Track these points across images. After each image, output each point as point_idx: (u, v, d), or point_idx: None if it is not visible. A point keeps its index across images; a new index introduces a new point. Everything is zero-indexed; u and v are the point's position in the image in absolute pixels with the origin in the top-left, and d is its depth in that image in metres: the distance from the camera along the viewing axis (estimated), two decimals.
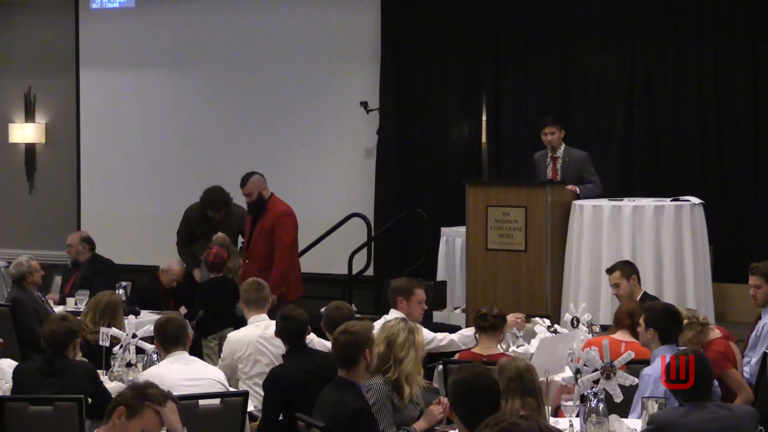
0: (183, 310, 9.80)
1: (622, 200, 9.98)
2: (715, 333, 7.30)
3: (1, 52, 15.08)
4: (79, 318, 7.52)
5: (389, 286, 8.13)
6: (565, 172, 10.32)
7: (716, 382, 6.09)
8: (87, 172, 14.44)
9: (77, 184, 14.49)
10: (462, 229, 10.59)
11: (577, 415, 5.97)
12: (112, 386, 6.77)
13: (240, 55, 13.59)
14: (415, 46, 12.74)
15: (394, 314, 7.59)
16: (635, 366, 6.32)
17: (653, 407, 5.74)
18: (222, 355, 7.80)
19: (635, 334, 6.95)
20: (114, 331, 7.19)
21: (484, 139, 12.52)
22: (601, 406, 5.80)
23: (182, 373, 6.35)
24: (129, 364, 7.11)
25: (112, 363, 7.13)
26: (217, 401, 6.30)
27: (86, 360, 6.96)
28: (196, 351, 8.77)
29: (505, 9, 12.31)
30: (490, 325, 7.33)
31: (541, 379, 5.53)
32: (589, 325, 7.92)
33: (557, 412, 6.33)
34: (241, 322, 8.02)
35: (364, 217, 12.46)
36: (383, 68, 12.78)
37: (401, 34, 12.77)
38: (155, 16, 14.05)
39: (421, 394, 6.23)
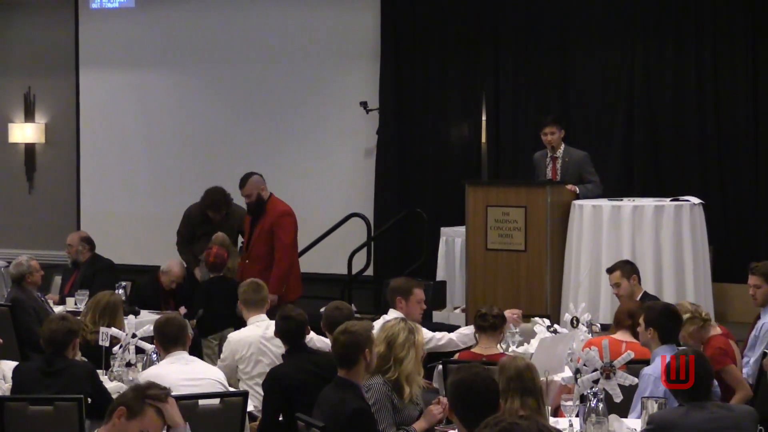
0: (183, 310, 9.79)
1: (621, 200, 9.98)
2: (716, 330, 7.31)
3: (0, 52, 15.08)
4: (78, 318, 7.52)
5: (388, 286, 8.13)
6: (564, 172, 10.32)
7: (716, 383, 6.09)
8: (87, 172, 14.45)
9: (77, 184, 14.49)
10: (462, 229, 10.59)
11: (577, 415, 5.97)
12: (112, 386, 6.77)
13: (240, 55, 13.60)
14: (415, 46, 12.74)
15: (393, 314, 7.59)
16: (635, 366, 6.31)
17: (653, 407, 5.74)
18: (222, 356, 7.80)
19: (635, 335, 6.95)
20: (114, 331, 7.18)
21: (483, 139, 12.52)
22: (601, 406, 5.80)
23: (182, 373, 6.35)
24: (129, 364, 7.11)
25: (111, 363, 7.13)
26: (216, 401, 6.30)
27: (86, 360, 6.96)
28: (196, 351, 8.77)
29: (505, 9, 12.31)
30: (489, 325, 7.33)
31: (540, 379, 5.53)
32: (589, 325, 7.92)
33: (557, 412, 6.33)
34: (241, 322, 8.03)
35: (363, 217, 12.45)
36: (383, 68, 12.78)
37: (401, 34, 12.78)
38: (155, 16, 14.06)
39: (420, 394, 6.23)
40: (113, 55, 14.24)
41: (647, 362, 6.48)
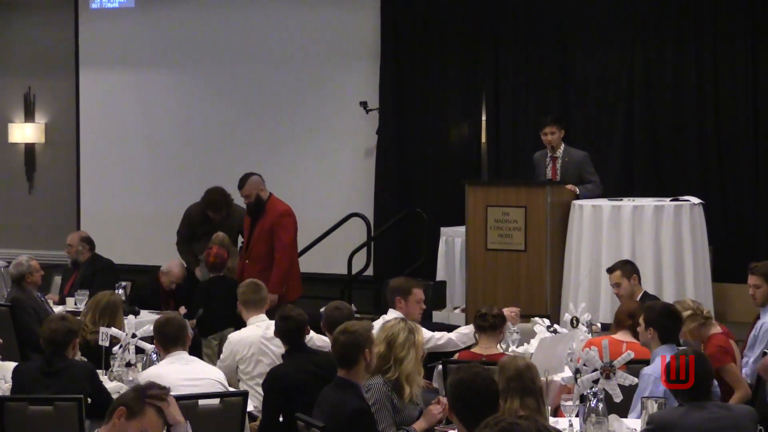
0: (183, 309, 9.80)
1: (621, 200, 9.98)
2: (717, 328, 7.33)
3: (0, 52, 15.08)
4: (78, 318, 7.52)
5: (388, 286, 8.12)
6: (564, 172, 10.33)
7: (716, 383, 6.09)
8: (87, 172, 14.44)
9: (77, 184, 14.49)
10: (462, 229, 10.59)
11: (577, 415, 5.97)
12: (112, 386, 6.77)
13: (240, 54, 13.60)
14: (415, 46, 12.73)
15: (392, 314, 7.59)
16: (635, 366, 6.32)
17: (653, 407, 5.74)
18: (222, 356, 7.79)
19: (636, 335, 6.95)
20: (114, 331, 7.19)
21: (483, 139, 12.52)
22: (601, 406, 5.80)
23: (182, 373, 6.36)
24: (128, 364, 7.11)
25: (111, 363, 7.13)
26: (216, 401, 6.30)
27: (86, 360, 6.97)
28: (196, 351, 8.77)
29: (505, 9, 12.30)
30: (489, 324, 7.34)
31: (541, 379, 5.53)
32: (589, 325, 7.92)
33: (557, 412, 6.33)
34: (242, 322, 8.03)
35: (363, 217, 12.45)
36: (383, 68, 12.78)
37: (401, 34, 12.77)
38: (155, 15, 14.06)
39: (420, 394, 6.23)
40: (113, 55, 14.24)
41: (647, 362, 6.48)
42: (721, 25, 11.40)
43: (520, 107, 12.24)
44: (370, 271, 12.46)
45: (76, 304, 9.62)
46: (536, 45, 12.17)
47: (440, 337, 7.82)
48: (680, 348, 6.51)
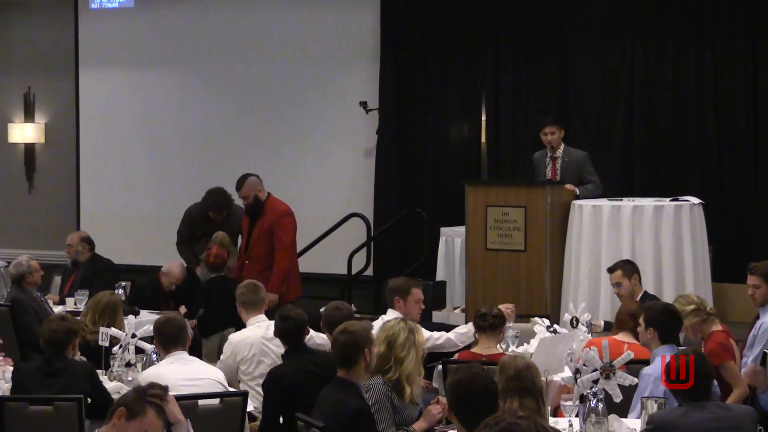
0: (183, 309, 9.80)
1: (621, 200, 9.98)
2: (718, 326, 7.34)
3: (0, 52, 15.08)
4: (78, 318, 7.52)
5: (387, 286, 8.12)
6: (564, 172, 10.32)
7: (716, 383, 6.09)
8: (86, 172, 14.45)
9: (77, 184, 14.49)
10: (461, 229, 10.59)
11: (577, 415, 5.97)
12: (112, 386, 6.77)
13: (240, 54, 13.60)
14: (415, 46, 12.73)
15: (391, 314, 7.58)
16: (635, 366, 6.32)
17: (653, 407, 5.74)
18: (222, 356, 7.78)
19: (638, 337, 6.94)
20: (113, 331, 7.18)
21: (483, 139, 12.52)
22: (601, 406, 5.80)
23: (181, 373, 6.35)
24: (128, 364, 7.11)
25: (111, 363, 7.13)
26: (216, 401, 6.30)
27: (85, 360, 6.97)
28: (197, 351, 8.77)
29: (505, 9, 12.30)
30: (489, 324, 7.33)
31: (541, 379, 5.53)
32: (589, 325, 7.91)
33: (557, 412, 6.33)
34: (242, 322, 8.02)
35: (363, 217, 12.45)
36: (383, 68, 12.78)
37: (401, 33, 12.77)
38: (155, 15, 14.06)
39: (420, 394, 6.23)
40: (113, 55, 14.24)
41: (647, 362, 6.48)
42: (721, 25, 11.40)
43: (520, 107, 12.24)
44: (370, 271, 12.46)
45: (76, 304, 9.62)
46: (536, 45, 12.16)
47: (438, 337, 7.81)
48: (680, 348, 6.51)
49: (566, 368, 6.24)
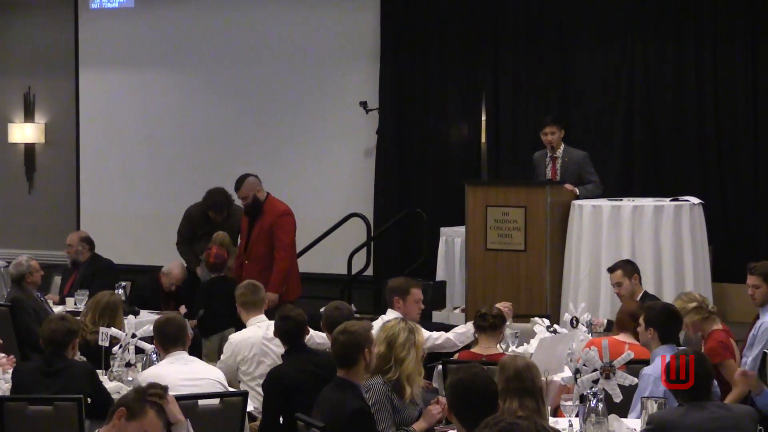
0: (183, 309, 9.80)
1: (621, 200, 9.98)
2: (718, 325, 7.34)
3: (1, 52, 15.08)
4: (78, 318, 7.52)
5: (386, 286, 8.12)
6: (564, 172, 10.33)
7: (716, 383, 6.09)
8: (86, 172, 14.44)
9: (76, 184, 14.49)
10: (461, 229, 10.59)
11: (577, 415, 5.97)
12: (112, 386, 6.77)
13: (240, 54, 13.60)
14: (415, 46, 12.73)
15: (391, 314, 7.58)
16: (635, 366, 6.32)
17: (653, 407, 5.74)
18: (223, 357, 7.78)
19: (638, 337, 6.93)
20: (113, 331, 7.19)
21: (483, 139, 12.52)
22: (601, 406, 5.80)
23: (181, 373, 6.35)
24: (128, 364, 7.11)
25: (111, 363, 7.13)
26: (216, 401, 6.30)
27: (85, 360, 6.96)
28: (197, 351, 8.77)
29: (505, 9, 12.30)
30: (489, 325, 7.33)
31: (541, 379, 5.52)
32: (589, 325, 7.91)
33: (557, 412, 6.33)
34: (242, 323, 8.02)
35: (363, 217, 12.45)
36: (383, 68, 12.78)
37: (401, 33, 12.77)
38: (155, 15, 14.06)
39: (420, 394, 6.22)
40: (113, 55, 14.24)
41: (647, 362, 6.48)
42: (721, 26, 11.40)
43: (520, 107, 12.24)
44: (369, 271, 12.46)
45: (76, 304, 9.62)
46: (536, 45, 12.16)
47: (438, 337, 7.81)
48: (680, 348, 6.51)
49: (566, 368, 6.24)
